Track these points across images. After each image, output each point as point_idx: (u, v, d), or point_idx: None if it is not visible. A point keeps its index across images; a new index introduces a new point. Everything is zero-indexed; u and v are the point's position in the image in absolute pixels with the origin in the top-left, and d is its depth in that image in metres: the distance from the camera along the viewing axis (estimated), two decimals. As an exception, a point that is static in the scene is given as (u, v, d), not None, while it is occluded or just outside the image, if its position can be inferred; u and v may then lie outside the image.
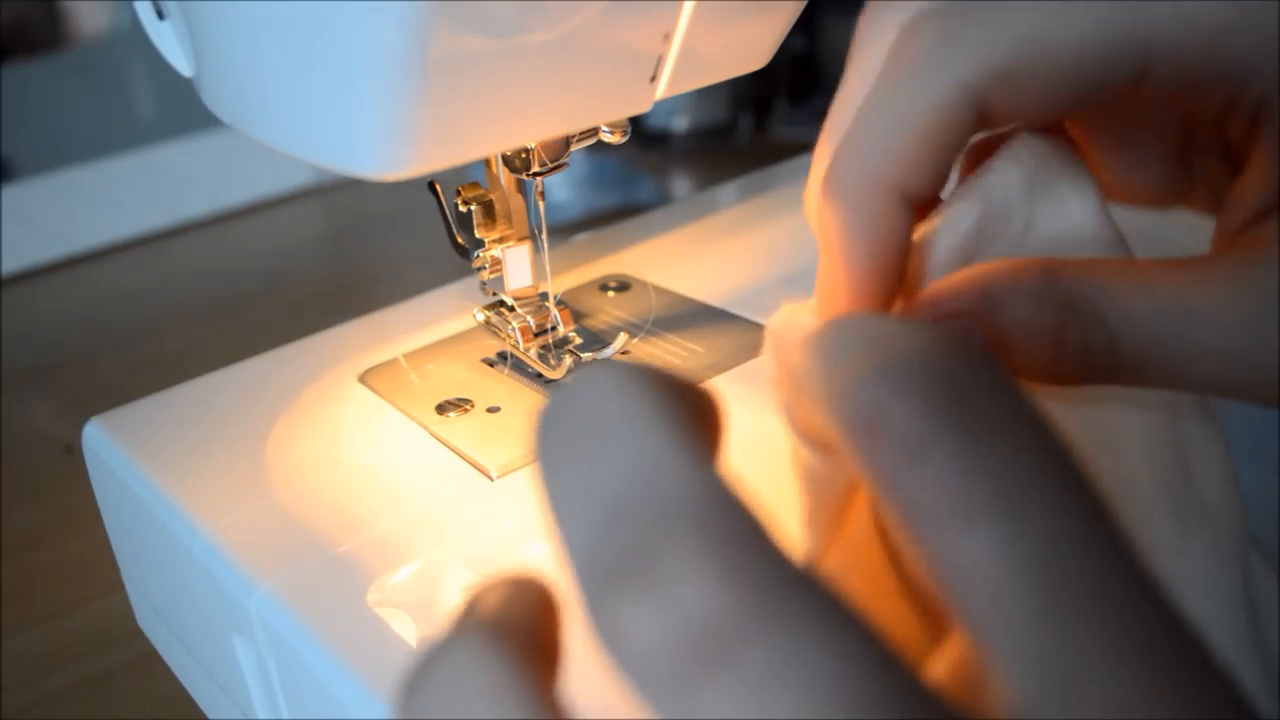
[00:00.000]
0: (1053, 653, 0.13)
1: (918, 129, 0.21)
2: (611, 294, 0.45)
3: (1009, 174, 0.23)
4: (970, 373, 0.15)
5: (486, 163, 0.38)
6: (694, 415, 0.16)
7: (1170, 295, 0.21)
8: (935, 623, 0.19)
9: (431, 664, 0.15)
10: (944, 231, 0.22)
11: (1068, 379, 0.21)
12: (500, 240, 0.39)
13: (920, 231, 0.23)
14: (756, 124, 0.89)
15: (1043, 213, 0.23)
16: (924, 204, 0.22)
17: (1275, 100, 0.21)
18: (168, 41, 0.34)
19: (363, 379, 0.40)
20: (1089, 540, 0.14)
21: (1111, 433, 0.23)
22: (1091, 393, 0.23)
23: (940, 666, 0.16)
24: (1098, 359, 0.21)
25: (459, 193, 0.38)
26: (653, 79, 0.31)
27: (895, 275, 0.22)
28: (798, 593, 0.13)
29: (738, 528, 0.14)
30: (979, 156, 0.24)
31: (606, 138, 0.36)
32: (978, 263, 0.22)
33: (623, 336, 0.38)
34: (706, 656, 0.13)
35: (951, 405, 0.15)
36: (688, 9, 0.30)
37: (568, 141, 0.36)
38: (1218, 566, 0.23)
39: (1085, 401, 0.23)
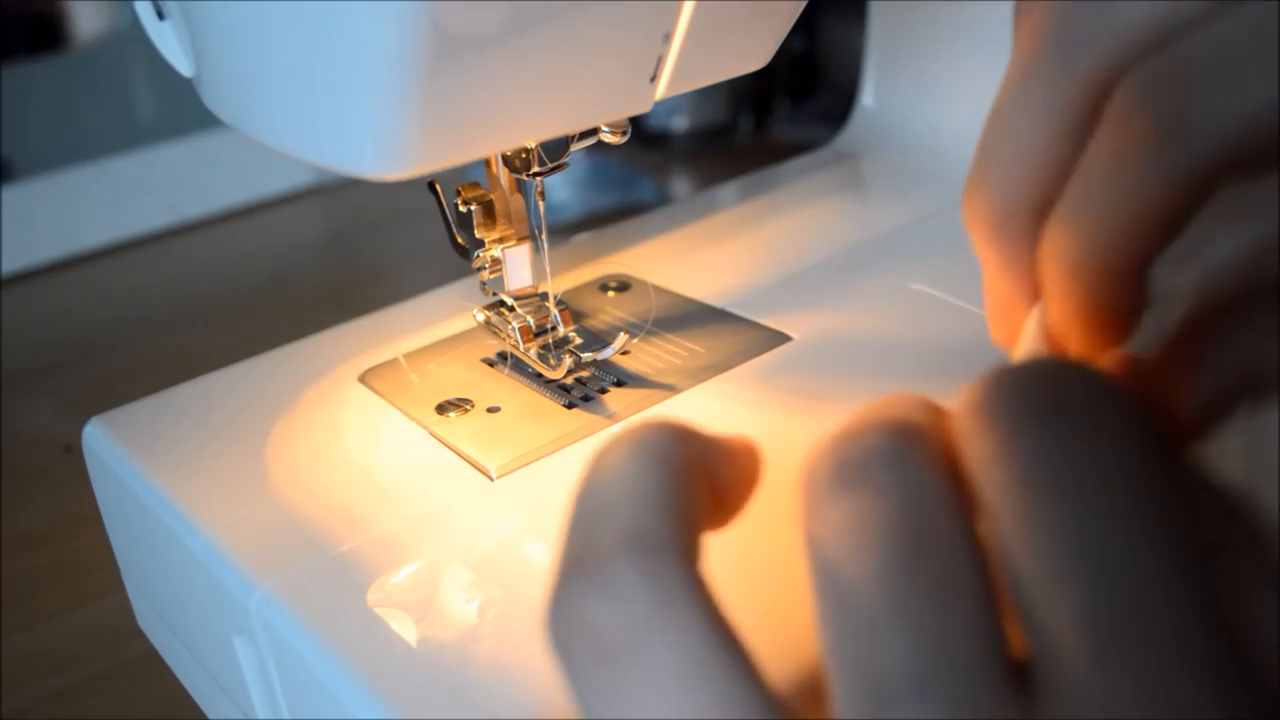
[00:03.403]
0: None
1: (1151, 217, 0.20)
2: (611, 294, 0.45)
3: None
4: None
5: (486, 163, 0.38)
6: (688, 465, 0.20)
7: None
8: None
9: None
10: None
11: None
12: (500, 240, 0.39)
13: None
14: (756, 124, 0.89)
15: None
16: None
17: None
18: (168, 41, 0.34)
19: (363, 379, 0.40)
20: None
21: None
22: None
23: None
24: None
25: (459, 193, 0.38)
26: (653, 79, 0.31)
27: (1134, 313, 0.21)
28: (688, 610, 0.17)
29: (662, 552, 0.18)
30: None
31: (606, 138, 0.36)
32: None
33: (623, 336, 0.38)
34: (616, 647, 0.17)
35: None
36: (688, 9, 0.30)
37: (568, 141, 0.36)
38: None
39: None
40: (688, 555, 0.18)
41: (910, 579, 0.16)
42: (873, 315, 0.41)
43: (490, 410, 0.37)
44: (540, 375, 0.39)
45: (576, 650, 0.17)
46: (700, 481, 0.20)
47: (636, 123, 0.70)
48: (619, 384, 0.38)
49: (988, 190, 0.22)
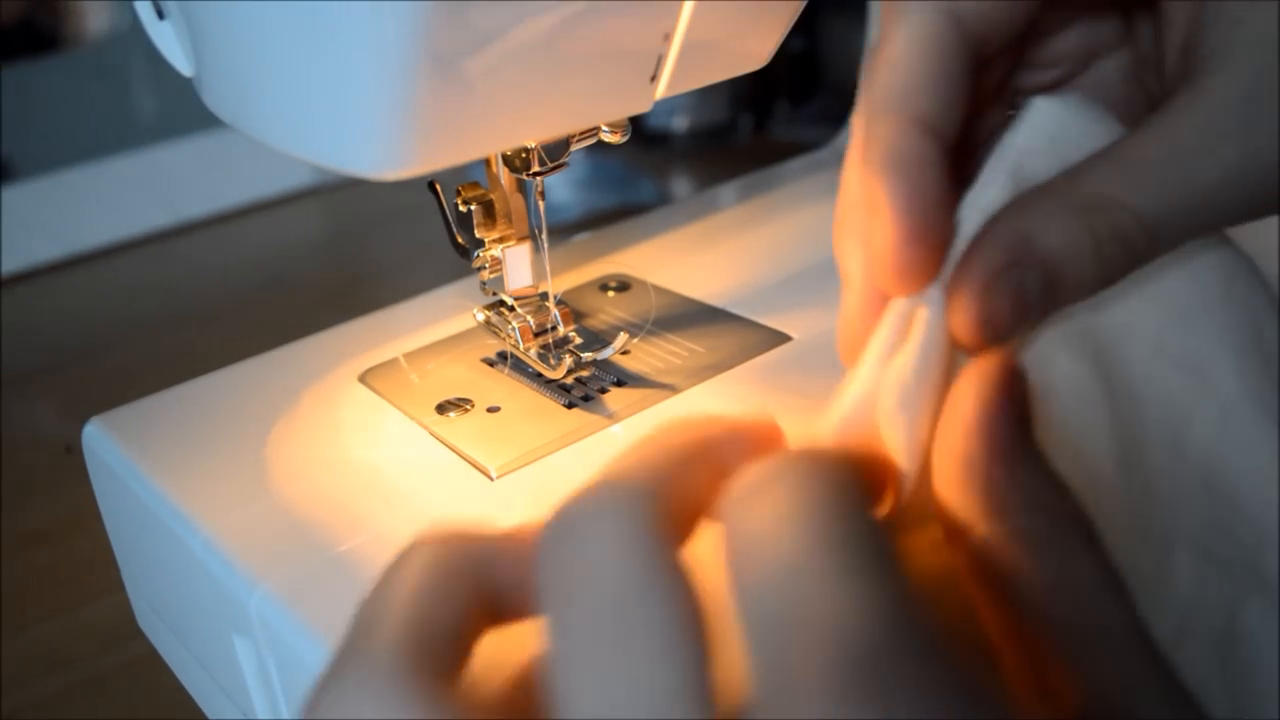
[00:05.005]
0: None
1: (913, 58, 0.23)
2: (611, 294, 0.45)
3: (1031, 145, 0.23)
4: None
5: (486, 163, 0.38)
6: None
7: (1164, 144, 0.21)
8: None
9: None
10: (975, 213, 0.22)
11: (1116, 274, 0.22)
12: (500, 240, 0.39)
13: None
14: (756, 124, 0.89)
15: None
16: (950, 140, 0.23)
17: None
18: (168, 41, 0.34)
19: (363, 379, 0.40)
20: None
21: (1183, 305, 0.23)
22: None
23: None
24: (1134, 241, 0.21)
25: (459, 193, 0.38)
26: (653, 79, 0.31)
27: (943, 208, 0.22)
28: None
29: None
30: None
31: (606, 138, 0.36)
32: None
33: (623, 336, 0.38)
34: None
35: None
36: (688, 9, 0.30)
37: (568, 141, 0.36)
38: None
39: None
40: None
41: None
42: (873, 315, 0.41)
43: (490, 410, 0.37)
44: (540, 375, 0.39)
45: None
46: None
47: (636, 123, 0.70)
48: (619, 384, 0.38)
49: (870, 102, 0.24)
